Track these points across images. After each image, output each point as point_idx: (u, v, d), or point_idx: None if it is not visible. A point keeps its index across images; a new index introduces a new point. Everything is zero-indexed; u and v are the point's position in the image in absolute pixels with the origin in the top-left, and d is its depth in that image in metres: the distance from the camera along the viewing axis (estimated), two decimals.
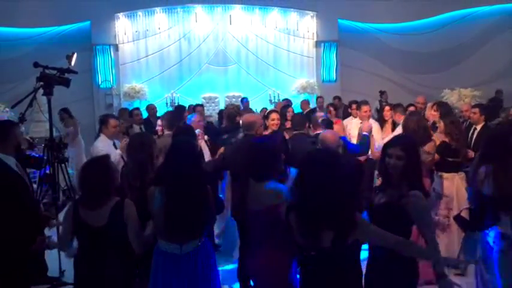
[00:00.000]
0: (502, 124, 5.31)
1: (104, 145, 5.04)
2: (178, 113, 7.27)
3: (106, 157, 3.26)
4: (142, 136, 4.26)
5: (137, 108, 8.58)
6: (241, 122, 5.07)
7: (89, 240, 3.01)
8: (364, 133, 4.77)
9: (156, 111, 9.34)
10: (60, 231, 3.17)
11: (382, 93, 11.54)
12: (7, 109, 9.22)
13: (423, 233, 2.83)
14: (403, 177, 2.82)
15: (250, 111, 8.81)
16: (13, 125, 3.91)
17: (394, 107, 6.69)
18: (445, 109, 5.78)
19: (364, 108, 6.58)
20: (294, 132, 5.06)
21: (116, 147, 5.13)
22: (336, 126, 5.76)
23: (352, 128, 6.83)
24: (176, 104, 10.96)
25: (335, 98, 10.50)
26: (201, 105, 8.94)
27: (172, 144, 3.26)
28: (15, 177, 3.65)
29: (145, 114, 8.82)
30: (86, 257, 3.04)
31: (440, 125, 5.03)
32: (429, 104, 6.53)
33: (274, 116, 5.49)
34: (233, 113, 5.87)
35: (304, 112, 8.94)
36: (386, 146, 2.96)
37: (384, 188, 2.92)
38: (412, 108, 6.99)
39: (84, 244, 3.06)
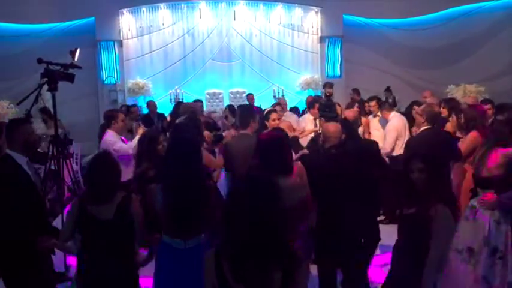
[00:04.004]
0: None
1: (114, 139, 5.10)
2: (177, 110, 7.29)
3: (110, 154, 3.31)
4: (149, 132, 4.40)
5: (135, 105, 8.62)
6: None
7: (95, 234, 3.03)
8: None
9: (157, 107, 9.38)
10: (64, 224, 3.17)
11: (387, 88, 11.49)
12: (11, 105, 9.26)
13: (431, 250, 2.76)
14: (431, 190, 2.79)
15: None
16: (19, 122, 3.88)
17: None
18: (453, 105, 5.77)
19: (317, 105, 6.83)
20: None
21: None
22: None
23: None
24: (179, 100, 10.95)
25: (354, 90, 10.38)
26: (200, 101, 8.95)
27: (171, 142, 3.28)
28: (24, 178, 3.66)
29: (145, 111, 8.91)
30: (90, 251, 3.06)
31: (453, 119, 5.05)
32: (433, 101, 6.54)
33: (274, 116, 5.42)
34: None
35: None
36: (406, 161, 2.96)
37: (412, 202, 2.88)
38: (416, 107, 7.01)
39: (89, 238, 3.07)
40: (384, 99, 10.76)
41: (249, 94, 11.04)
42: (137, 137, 5.04)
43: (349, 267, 3.67)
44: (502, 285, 3.47)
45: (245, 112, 4.84)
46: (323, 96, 9.57)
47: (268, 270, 1.95)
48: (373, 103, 7.15)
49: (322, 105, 5.65)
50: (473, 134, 4.60)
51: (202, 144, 4.47)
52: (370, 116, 7.16)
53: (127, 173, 4.16)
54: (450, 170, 4.56)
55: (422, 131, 4.69)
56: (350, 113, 4.60)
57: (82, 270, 3.11)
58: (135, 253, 3.19)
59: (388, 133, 6.22)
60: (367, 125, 6.94)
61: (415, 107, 6.80)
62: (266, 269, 1.95)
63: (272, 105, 7.80)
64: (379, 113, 6.93)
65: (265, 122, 5.44)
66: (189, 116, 5.33)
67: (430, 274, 2.77)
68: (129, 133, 6.13)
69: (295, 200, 2.96)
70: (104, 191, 3.04)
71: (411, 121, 6.58)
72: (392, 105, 7.43)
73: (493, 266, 3.50)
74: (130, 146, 5.01)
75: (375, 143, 4.64)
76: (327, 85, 8.90)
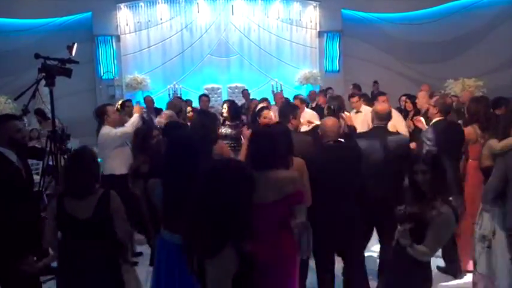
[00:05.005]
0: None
1: (109, 130, 5.12)
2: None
3: (89, 148, 3.28)
4: (142, 128, 4.40)
5: (129, 100, 8.52)
6: (375, 112, 4.48)
7: (74, 232, 2.99)
8: None
9: (154, 103, 9.31)
10: (46, 228, 3.12)
11: (374, 83, 11.42)
12: (9, 100, 9.23)
13: (426, 241, 2.81)
14: (435, 191, 2.85)
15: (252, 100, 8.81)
16: (5, 119, 3.82)
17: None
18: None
19: (296, 101, 6.82)
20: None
21: None
22: None
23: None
24: (177, 95, 10.87)
25: (354, 85, 10.15)
26: (206, 96, 8.82)
27: (171, 137, 3.26)
28: (14, 171, 3.63)
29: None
30: (69, 249, 3.02)
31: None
32: (423, 93, 6.50)
33: (265, 113, 5.33)
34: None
35: (314, 104, 8.85)
36: (410, 164, 3.02)
37: (416, 201, 2.93)
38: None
39: (69, 236, 3.04)
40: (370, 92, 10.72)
41: (244, 90, 10.90)
42: (135, 115, 5.35)
43: (347, 256, 3.77)
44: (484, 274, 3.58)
45: (286, 109, 4.82)
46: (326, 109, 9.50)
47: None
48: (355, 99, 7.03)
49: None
50: (468, 130, 4.58)
51: (216, 141, 4.27)
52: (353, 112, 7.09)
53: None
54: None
55: (436, 122, 4.65)
56: (380, 106, 4.40)
57: (62, 268, 3.07)
58: (119, 251, 3.15)
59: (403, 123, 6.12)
60: (350, 120, 6.88)
61: (406, 99, 6.98)
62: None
63: (260, 100, 7.77)
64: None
65: (257, 119, 5.42)
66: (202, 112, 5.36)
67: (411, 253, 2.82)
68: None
69: (283, 193, 2.94)
70: (82, 184, 2.98)
71: (403, 114, 6.70)
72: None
73: (481, 253, 3.61)
74: (130, 123, 5.24)
75: (405, 139, 4.46)
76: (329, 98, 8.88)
